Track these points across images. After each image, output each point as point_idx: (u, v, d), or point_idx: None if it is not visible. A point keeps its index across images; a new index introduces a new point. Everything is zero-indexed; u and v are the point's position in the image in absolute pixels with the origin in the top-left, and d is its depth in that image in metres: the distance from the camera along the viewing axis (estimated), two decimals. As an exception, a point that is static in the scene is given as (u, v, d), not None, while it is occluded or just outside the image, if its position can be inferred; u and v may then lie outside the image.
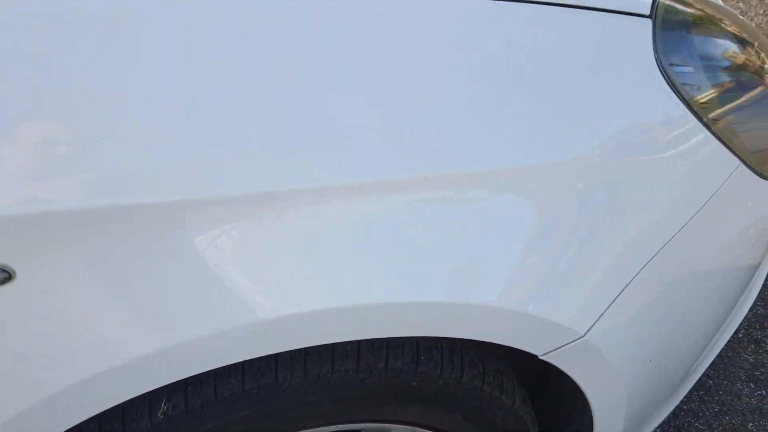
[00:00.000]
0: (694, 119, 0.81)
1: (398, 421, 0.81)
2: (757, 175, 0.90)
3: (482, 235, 0.71)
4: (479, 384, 0.81)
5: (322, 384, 0.73)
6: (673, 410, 1.52)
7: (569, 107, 0.75)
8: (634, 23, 0.80)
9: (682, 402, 1.54)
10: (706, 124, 0.81)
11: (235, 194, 0.62)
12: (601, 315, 0.77)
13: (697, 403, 1.54)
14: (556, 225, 0.74)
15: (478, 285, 0.71)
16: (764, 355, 1.64)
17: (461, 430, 0.85)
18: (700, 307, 0.97)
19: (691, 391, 1.56)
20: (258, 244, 0.64)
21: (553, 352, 0.77)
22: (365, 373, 0.74)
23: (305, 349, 0.72)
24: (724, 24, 0.94)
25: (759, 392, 1.54)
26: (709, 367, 1.61)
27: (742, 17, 1.02)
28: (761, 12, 3.10)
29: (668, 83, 0.79)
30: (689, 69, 0.81)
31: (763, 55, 0.97)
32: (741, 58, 0.92)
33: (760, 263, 1.15)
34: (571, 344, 0.77)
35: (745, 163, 0.87)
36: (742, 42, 0.94)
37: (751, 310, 1.77)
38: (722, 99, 0.85)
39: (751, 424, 1.47)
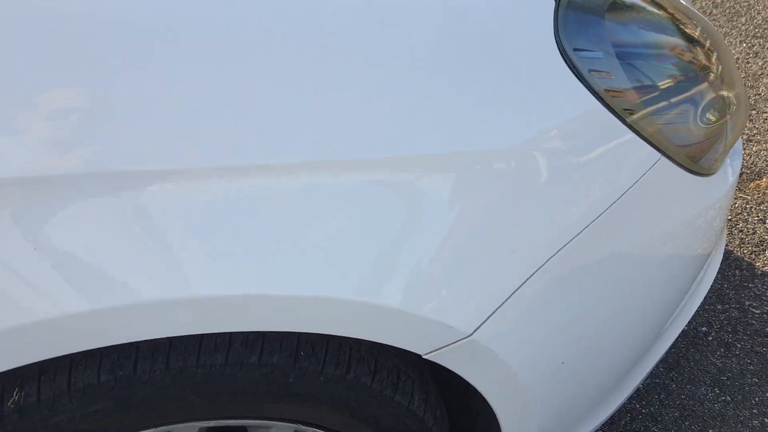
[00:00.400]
0: (605, 110, 0.76)
1: (280, 419, 0.78)
2: (686, 171, 0.85)
3: (366, 228, 0.67)
4: (368, 382, 0.77)
5: (186, 378, 0.69)
6: (630, 413, 1.47)
7: (470, 95, 0.71)
8: (538, 3, 0.75)
9: (641, 405, 1.49)
10: (618, 115, 0.76)
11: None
12: (491, 314, 0.73)
13: (656, 407, 1.48)
14: (446, 220, 0.70)
15: (358, 280, 0.67)
16: (733, 359, 1.57)
17: (352, 429, 0.81)
18: (628, 307, 0.92)
19: (651, 394, 1.51)
20: (133, 227, 0.61)
21: (436, 352, 0.73)
22: (234, 367, 0.71)
23: (169, 339, 0.69)
24: (669, 17, 0.89)
25: (723, 398, 1.48)
26: (674, 370, 1.55)
27: (705, 18, 0.96)
28: (770, 5, 3.00)
29: (572, 69, 0.75)
30: (598, 54, 0.76)
31: (714, 55, 0.91)
32: (677, 50, 0.86)
33: (707, 258, 1.10)
34: (456, 344, 0.72)
35: (670, 158, 0.82)
36: (689, 39, 0.89)
37: (724, 312, 1.70)
38: (643, 90, 0.80)
39: (711, 431, 1.42)
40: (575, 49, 0.74)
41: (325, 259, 0.66)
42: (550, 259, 0.74)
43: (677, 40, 0.86)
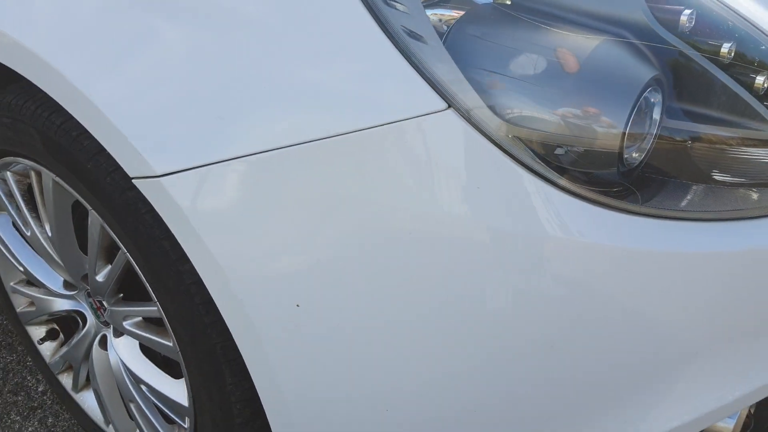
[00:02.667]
0: (418, 77, 0.78)
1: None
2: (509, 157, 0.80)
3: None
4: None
5: None
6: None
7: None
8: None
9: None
10: (435, 87, 0.77)
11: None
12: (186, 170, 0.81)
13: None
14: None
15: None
16: None
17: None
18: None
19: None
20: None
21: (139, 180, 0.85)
22: None
23: None
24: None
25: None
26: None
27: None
28: None
29: (381, 26, 0.79)
30: (402, 8, 0.78)
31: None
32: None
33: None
34: (147, 180, 0.83)
35: (494, 142, 0.78)
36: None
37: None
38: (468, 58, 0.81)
39: None
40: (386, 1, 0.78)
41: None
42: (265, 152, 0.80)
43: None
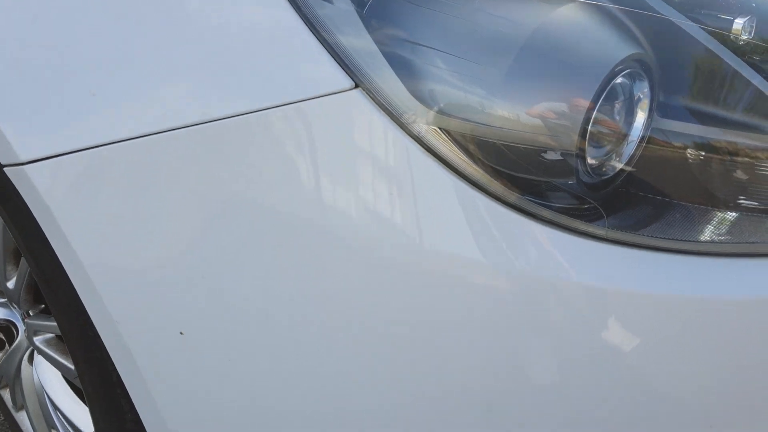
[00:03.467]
0: (322, 49, 0.60)
1: None
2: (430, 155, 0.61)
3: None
4: None
5: None
6: None
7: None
8: None
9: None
10: (341, 62, 0.59)
11: None
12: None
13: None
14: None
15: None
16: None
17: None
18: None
19: None
20: None
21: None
22: None
23: None
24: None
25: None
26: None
27: None
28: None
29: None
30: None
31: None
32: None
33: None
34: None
35: (411, 134, 0.59)
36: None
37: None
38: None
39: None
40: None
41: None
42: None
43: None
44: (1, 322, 1.17)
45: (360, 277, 0.60)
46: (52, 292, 0.84)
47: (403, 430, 0.67)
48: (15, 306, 1.06)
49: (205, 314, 0.69)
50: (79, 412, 0.98)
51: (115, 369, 0.82)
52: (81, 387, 0.89)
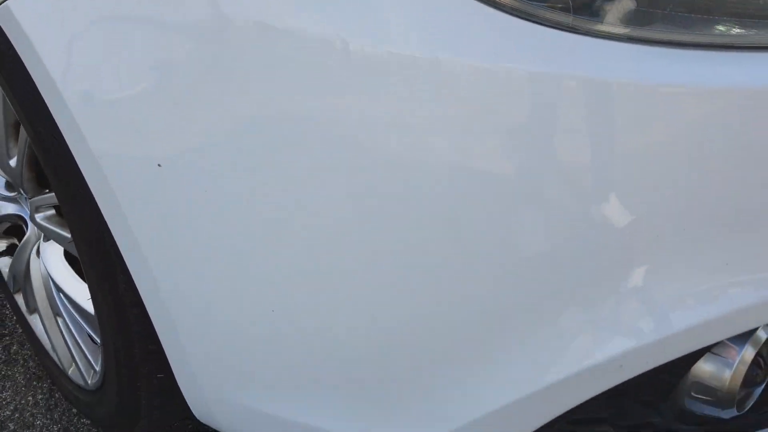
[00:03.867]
0: None
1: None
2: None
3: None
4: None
5: None
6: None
7: None
8: None
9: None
10: None
11: None
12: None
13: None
14: None
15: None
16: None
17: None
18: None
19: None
20: None
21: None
22: None
23: None
24: None
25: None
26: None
27: None
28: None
29: None
30: None
31: None
32: None
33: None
34: None
35: None
36: None
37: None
38: None
39: None
40: None
41: None
42: None
43: None
44: (14, 218, 1.20)
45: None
46: (50, 158, 0.85)
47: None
48: (21, 193, 1.09)
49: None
50: (79, 289, 1.00)
51: (108, 230, 0.83)
52: (77, 255, 0.91)
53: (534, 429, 0.67)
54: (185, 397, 0.92)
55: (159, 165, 0.68)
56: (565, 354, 0.63)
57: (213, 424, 0.94)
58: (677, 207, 0.56)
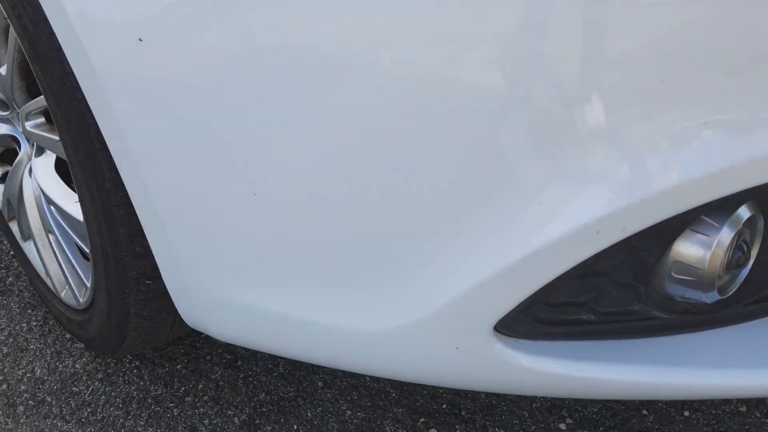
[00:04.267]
0: None
1: None
2: None
3: None
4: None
5: None
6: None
7: None
8: None
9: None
10: None
11: None
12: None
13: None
14: None
15: None
16: None
17: None
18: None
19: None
20: None
21: None
22: None
23: None
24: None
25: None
26: None
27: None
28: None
29: None
30: None
31: None
32: None
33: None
34: None
35: None
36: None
37: None
38: None
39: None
40: None
41: None
42: None
43: None
44: (8, 140, 1.20)
45: None
46: (39, 53, 0.85)
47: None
48: (14, 108, 1.09)
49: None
50: (69, 197, 1.00)
51: (95, 123, 0.83)
52: (65, 157, 0.91)
53: (514, 305, 0.67)
54: (174, 301, 0.91)
55: (140, 39, 0.68)
56: (543, 222, 0.62)
57: (203, 329, 0.94)
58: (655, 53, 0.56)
